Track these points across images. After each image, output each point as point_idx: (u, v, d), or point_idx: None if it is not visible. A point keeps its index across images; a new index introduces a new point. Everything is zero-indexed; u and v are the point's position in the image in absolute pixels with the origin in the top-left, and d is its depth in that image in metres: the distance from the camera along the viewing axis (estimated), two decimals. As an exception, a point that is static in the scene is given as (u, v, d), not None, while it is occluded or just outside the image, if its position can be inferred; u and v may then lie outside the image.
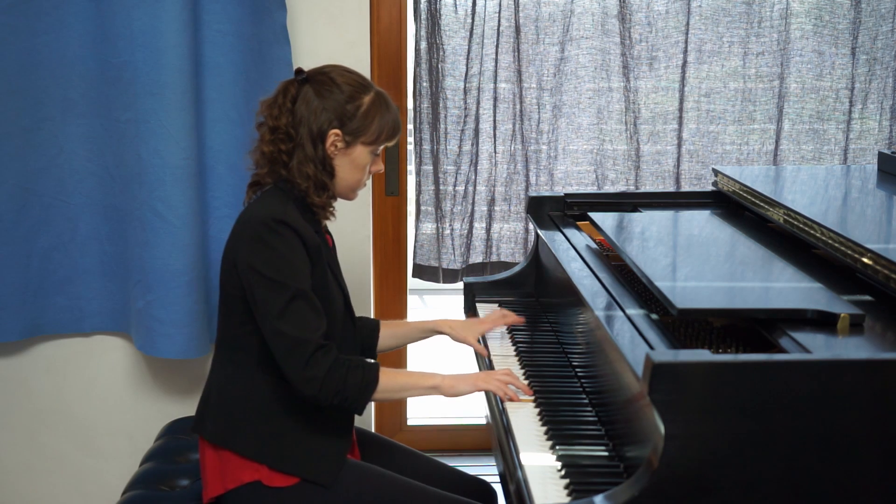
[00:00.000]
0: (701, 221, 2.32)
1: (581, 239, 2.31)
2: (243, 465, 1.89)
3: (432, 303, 5.41)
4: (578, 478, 1.59)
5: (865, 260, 1.74)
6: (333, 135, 1.91)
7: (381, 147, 1.97)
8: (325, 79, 1.92)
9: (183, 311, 2.59)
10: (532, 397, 1.92)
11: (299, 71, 1.95)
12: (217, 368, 1.97)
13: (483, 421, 3.05)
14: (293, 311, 1.82)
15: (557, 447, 1.70)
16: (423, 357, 3.51)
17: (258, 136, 1.96)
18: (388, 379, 1.89)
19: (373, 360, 1.94)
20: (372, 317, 2.34)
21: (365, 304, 2.90)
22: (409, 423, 3.24)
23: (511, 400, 1.90)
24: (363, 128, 1.92)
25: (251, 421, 1.90)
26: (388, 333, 2.21)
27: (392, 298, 3.09)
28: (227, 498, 1.91)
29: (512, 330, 2.30)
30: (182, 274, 2.57)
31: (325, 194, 1.94)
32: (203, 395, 2.00)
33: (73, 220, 2.67)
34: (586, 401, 1.89)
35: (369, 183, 2.90)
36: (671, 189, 3.03)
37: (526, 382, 1.97)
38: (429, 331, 2.23)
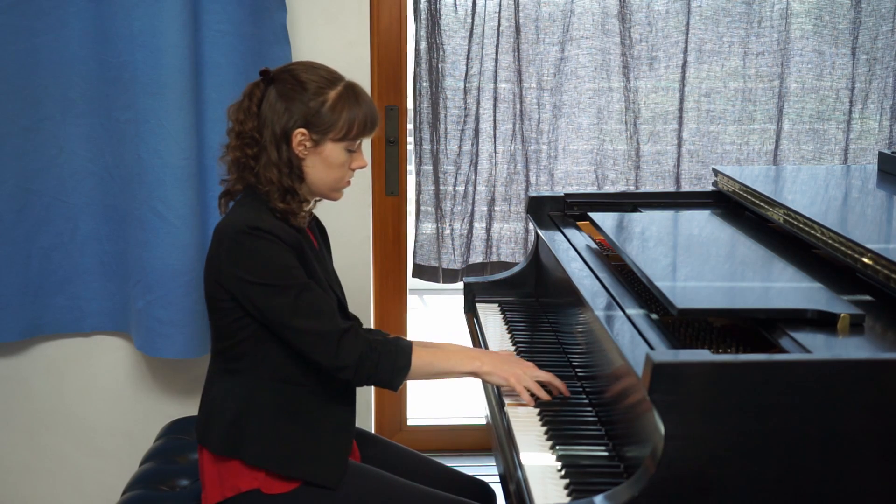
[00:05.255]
0: (701, 221, 2.32)
1: (581, 239, 2.31)
2: (243, 474, 1.88)
3: (432, 303, 5.41)
4: (578, 478, 1.59)
5: (865, 260, 1.74)
6: (300, 134, 1.85)
7: (357, 142, 1.90)
8: (289, 77, 1.87)
9: (183, 311, 2.59)
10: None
11: (264, 72, 1.89)
12: (215, 380, 1.95)
13: (483, 421, 3.05)
14: (303, 306, 1.81)
15: (557, 447, 1.70)
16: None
17: (227, 143, 1.91)
18: (424, 363, 1.88)
19: (406, 343, 1.89)
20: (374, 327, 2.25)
21: (365, 304, 2.90)
22: (409, 423, 3.24)
23: (528, 404, 1.86)
24: (330, 123, 1.85)
25: (255, 429, 1.88)
26: None
27: (392, 298, 3.10)
28: None
29: (512, 330, 2.30)
30: (182, 274, 2.57)
31: (293, 200, 1.87)
32: (203, 406, 1.97)
33: (73, 220, 2.67)
34: (586, 401, 1.89)
35: (369, 183, 2.90)
36: (671, 189, 3.03)
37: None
38: None
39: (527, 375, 1.89)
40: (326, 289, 1.91)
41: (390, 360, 1.85)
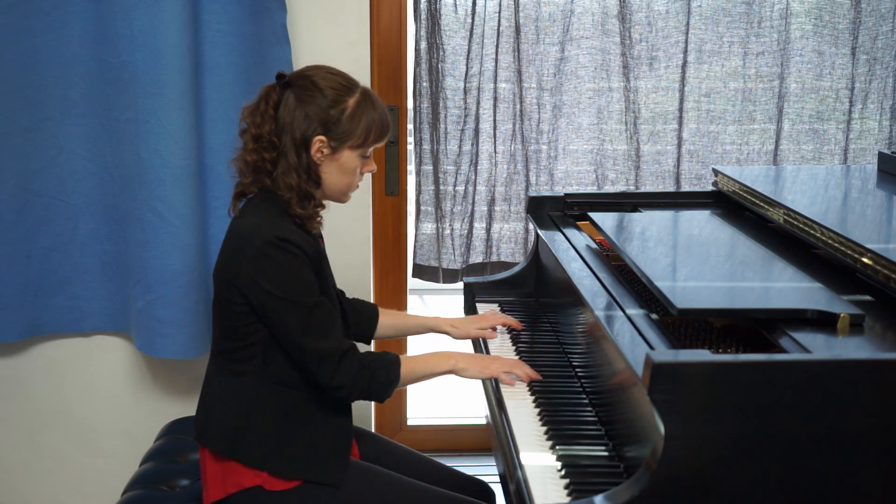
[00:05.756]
0: (701, 221, 2.32)
1: (581, 239, 2.31)
2: (245, 470, 1.89)
3: (432, 303, 5.41)
4: (578, 478, 1.59)
5: (865, 260, 1.74)
6: (318, 141, 1.86)
7: (371, 149, 1.93)
8: (307, 83, 1.87)
9: (183, 311, 2.59)
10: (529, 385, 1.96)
11: (281, 75, 1.90)
12: (216, 379, 1.96)
13: (483, 421, 3.05)
14: (313, 324, 1.83)
15: (557, 447, 1.70)
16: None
17: (241, 144, 1.92)
18: (407, 371, 1.94)
19: (393, 356, 1.94)
20: (370, 301, 2.32)
21: (365, 304, 2.90)
22: (409, 423, 3.24)
23: (509, 383, 1.96)
24: (349, 132, 1.87)
25: (256, 431, 1.89)
26: (387, 323, 2.22)
27: (392, 298, 3.09)
28: (228, 502, 1.90)
29: (512, 330, 2.30)
30: (182, 274, 2.57)
31: (309, 204, 1.89)
32: (202, 404, 1.98)
33: (73, 220, 2.67)
34: (586, 401, 1.89)
35: (369, 183, 2.90)
36: (671, 189, 3.03)
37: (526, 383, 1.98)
38: (427, 328, 2.25)
39: (497, 364, 1.99)
40: (335, 300, 1.95)
41: (382, 375, 1.89)
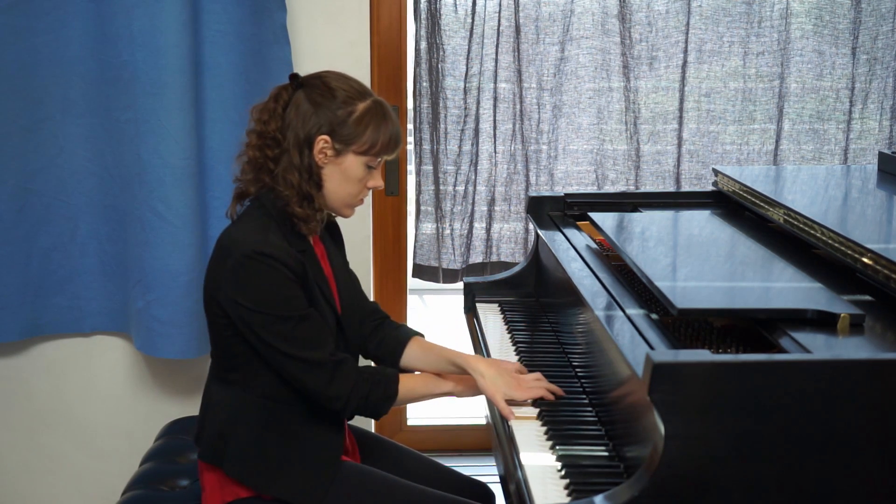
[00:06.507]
0: (701, 221, 2.32)
1: (581, 239, 2.31)
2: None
3: (432, 303, 5.41)
4: (578, 478, 1.59)
5: (865, 260, 1.74)
6: (322, 141, 1.83)
7: (379, 160, 1.89)
8: (319, 83, 1.85)
9: (183, 311, 2.59)
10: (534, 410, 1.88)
11: (294, 76, 1.89)
12: (211, 384, 1.95)
13: (483, 421, 3.05)
14: (299, 336, 1.80)
15: (557, 447, 1.70)
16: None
17: (246, 142, 1.90)
18: (406, 390, 1.91)
19: (392, 371, 1.91)
20: (407, 325, 2.14)
21: (365, 304, 2.90)
22: (409, 423, 3.25)
23: (508, 416, 1.84)
24: (355, 135, 1.83)
25: (239, 443, 1.87)
26: (417, 356, 2.03)
27: (392, 298, 3.10)
28: None
29: (512, 330, 2.30)
30: (182, 274, 2.57)
31: (309, 206, 1.85)
32: (201, 407, 1.97)
33: (73, 220, 2.67)
34: (586, 401, 1.89)
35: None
36: (671, 189, 3.03)
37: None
38: (458, 367, 1.96)
39: (500, 393, 1.87)
40: (326, 313, 1.89)
41: (380, 390, 1.87)
